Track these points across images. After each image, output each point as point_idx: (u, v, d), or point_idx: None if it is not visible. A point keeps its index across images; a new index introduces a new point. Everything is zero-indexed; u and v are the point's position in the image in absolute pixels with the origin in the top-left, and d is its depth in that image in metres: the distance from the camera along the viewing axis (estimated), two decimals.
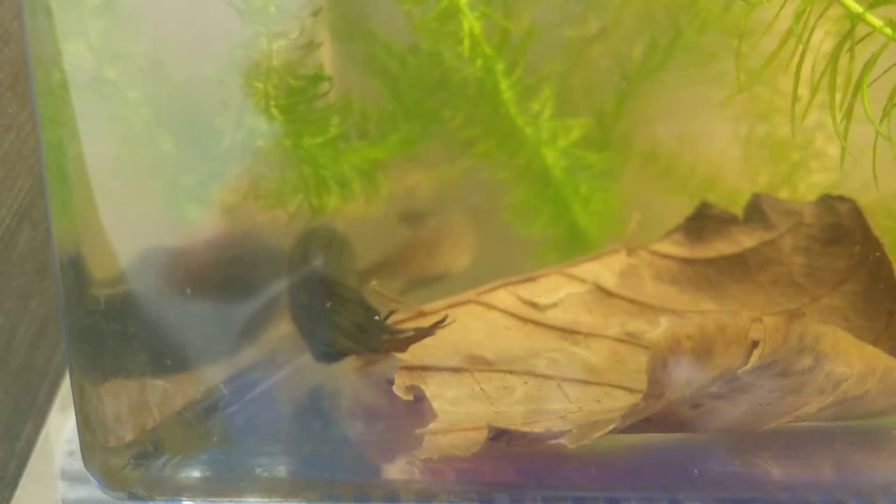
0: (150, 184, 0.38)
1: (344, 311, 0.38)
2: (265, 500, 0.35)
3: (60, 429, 0.43)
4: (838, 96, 0.32)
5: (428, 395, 0.35)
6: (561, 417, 0.35)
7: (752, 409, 0.33)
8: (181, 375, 0.37)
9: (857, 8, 0.29)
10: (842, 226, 0.39)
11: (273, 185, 0.39)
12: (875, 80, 0.30)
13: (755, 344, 0.31)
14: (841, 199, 0.39)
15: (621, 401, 0.35)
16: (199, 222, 0.39)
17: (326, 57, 0.39)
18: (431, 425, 0.34)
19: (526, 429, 0.33)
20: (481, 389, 0.36)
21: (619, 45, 0.41)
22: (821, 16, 0.30)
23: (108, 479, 0.35)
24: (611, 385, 0.36)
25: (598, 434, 0.32)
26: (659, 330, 0.30)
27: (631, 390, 0.36)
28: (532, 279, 0.40)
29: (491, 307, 0.39)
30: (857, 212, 0.38)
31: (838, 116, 0.31)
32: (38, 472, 0.41)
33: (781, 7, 0.31)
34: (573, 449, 0.33)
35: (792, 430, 0.35)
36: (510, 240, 0.43)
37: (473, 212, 0.44)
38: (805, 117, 0.35)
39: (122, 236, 0.36)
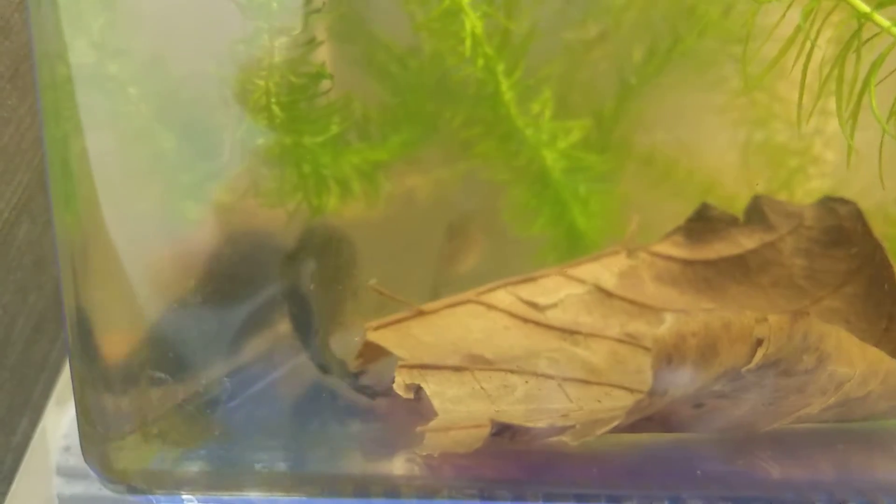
0: (151, 180, 0.38)
1: (319, 344, 0.39)
2: (266, 494, 0.35)
3: (57, 424, 0.43)
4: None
5: (428, 393, 0.35)
6: (562, 416, 0.35)
7: (755, 409, 0.34)
8: (183, 368, 0.37)
9: (865, 8, 0.29)
10: (843, 228, 0.39)
11: (273, 183, 0.39)
12: (881, 81, 0.30)
13: (759, 342, 0.31)
14: (842, 201, 0.39)
15: (622, 401, 0.35)
16: (198, 219, 0.39)
17: (326, 58, 0.39)
18: (432, 423, 0.34)
19: (529, 425, 0.33)
20: (482, 388, 0.36)
21: (620, 48, 0.41)
22: (829, 15, 0.30)
23: (108, 472, 0.35)
24: (611, 385, 0.36)
25: (601, 431, 0.32)
26: (664, 326, 0.30)
27: (632, 390, 0.36)
28: (532, 279, 0.40)
29: (491, 307, 0.39)
30: (858, 214, 0.38)
31: (844, 116, 0.31)
32: (33, 467, 0.40)
33: (788, 7, 0.31)
34: (575, 447, 0.33)
35: (794, 430, 0.35)
36: (509, 241, 0.43)
37: (473, 213, 0.44)
38: (807, 121, 0.35)
39: (124, 231, 0.36)
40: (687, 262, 0.40)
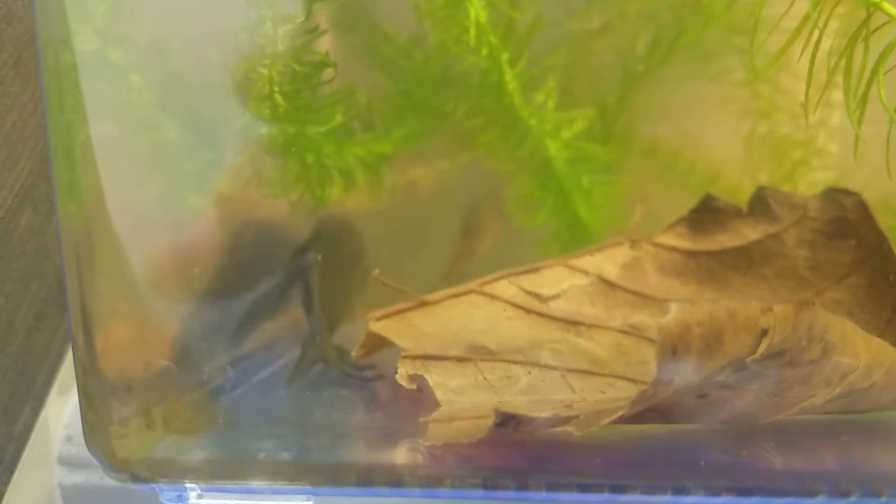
0: (155, 169, 0.38)
1: (322, 337, 0.39)
2: (269, 483, 0.35)
3: (59, 413, 0.43)
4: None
5: (431, 383, 0.35)
6: (566, 406, 0.35)
7: (759, 399, 0.34)
8: (187, 357, 0.37)
9: None
10: (846, 219, 0.39)
11: (276, 173, 0.39)
12: (889, 71, 0.30)
13: (764, 333, 0.31)
14: (846, 192, 0.39)
15: (626, 391, 0.35)
16: (201, 208, 0.39)
17: (329, 47, 0.39)
18: (435, 414, 0.34)
19: (533, 415, 0.33)
20: (485, 379, 0.36)
21: (624, 38, 0.41)
22: (836, 5, 0.30)
23: (111, 460, 0.35)
24: (615, 376, 0.36)
25: (605, 421, 0.32)
26: (669, 316, 0.30)
27: (635, 381, 0.36)
28: (535, 270, 0.40)
29: (493, 297, 0.39)
30: (862, 206, 0.38)
31: (852, 106, 0.31)
32: (35, 456, 0.40)
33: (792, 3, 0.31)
34: (578, 437, 0.33)
35: (798, 421, 0.35)
36: (513, 231, 0.43)
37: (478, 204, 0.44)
38: (812, 113, 0.35)
39: (127, 219, 0.36)
40: (690, 254, 0.40)
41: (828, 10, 0.32)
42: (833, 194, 0.39)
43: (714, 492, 0.34)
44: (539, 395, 0.35)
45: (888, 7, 0.29)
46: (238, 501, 0.35)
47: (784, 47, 0.33)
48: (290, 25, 0.36)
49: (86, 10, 0.34)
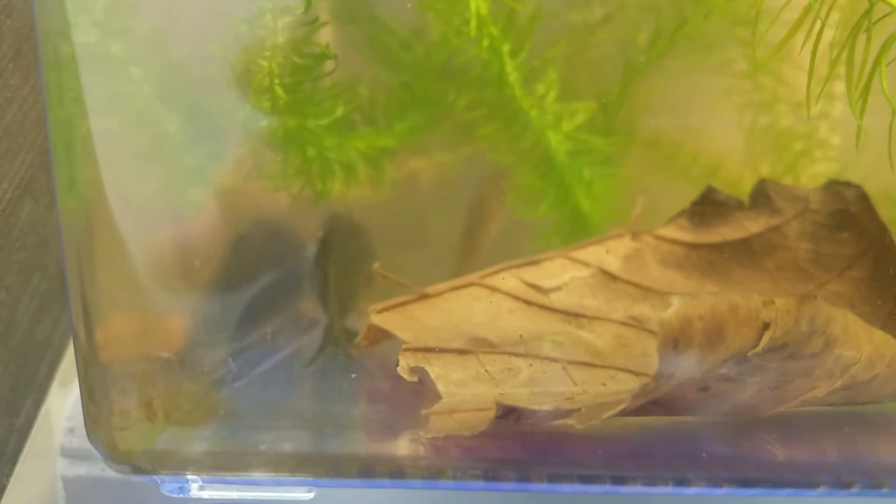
0: (155, 161, 0.38)
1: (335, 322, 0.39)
2: (270, 474, 0.35)
3: (61, 405, 0.43)
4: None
5: (432, 376, 0.35)
6: (567, 399, 0.35)
7: (761, 392, 0.34)
8: (188, 349, 0.37)
9: None
10: (848, 212, 0.39)
11: (277, 166, 0.39)
12: (891, 62, 0.30)
13: (766, 326, 0.31)
14: (847, 185, 0.39)
15: (627, 384, 0.35)
16: (201, 202, 0.39)
17: (329, 39, 0.39)
18: (436, 406, 0.34)
19: (534, 407, 0.33)
20: (486, 371, 0.36)
21: (625, 30, 0.41)
22: None
23: (113, 452, 0.35)
24: (616, 368, 0.36)
25: (606, 414, 0.32)
26: (671, 310, 0.30)
27: (636, 373, 0.36)
28: (536, 262, 0.40)
29: (494, 290, 0.39)
30: (864, 198, 0.38)
31: (854, 97, 0.31)
32: (37, 448, 0.40)
33: None
34: (580, 429, 0.33)
35: (800, 413, 0.35)
36: (513, 223, 0.43)
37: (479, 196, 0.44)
38: (813, 105, 0.35)
39: (127, 212, 0.36)
40: (692, 246, 0.40)
41: (829, 0, 0.32)
42: (835, 186, 0.39)
43: (716, 483, 0.34)
44: (540, 388, 0.35)
45: None
46: (239, 493, 0.35)
47: (786, 38, 0.33)
48: (290, 17, 0.36)
49: (85, 2, 0.34)
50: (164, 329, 0.37)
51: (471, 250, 0.43)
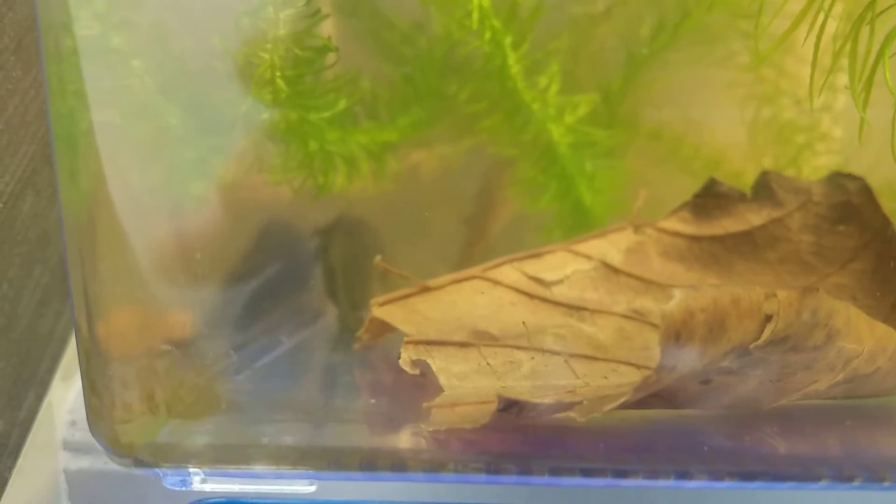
0: (157, 154, 0.38)
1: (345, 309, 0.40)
2: (273, 467, 0.35)
3: (63, 399, 0.43)
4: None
5: (434, 369, 0.35)
6: (569, 392, 0.35)
7: (762, 385, 0.33)
8: (190, 341, 0.37)
9: None
10: (851, 204, 0.39)
11: (278, 160, 0.39)
12: (894, 54, 0.30)
13: (768, 318, 0.31)
14: (850, 177, 0.39)
15: (629, 377, 0.35)
16: (203, 195, 0.39)
17: (331, 32, 0.39)
18: (438, 399, 0.34)
19: (536, 400, 0.33)
20: (488, 364, 0.36)
21: (628, 22, 0.41)
22: None
23: (115, 445, 0.35)
24: (618, 361, 0.36)
25: (608, 407, 0.32)
26: (673, 302, 0.30)
27: (638, 366, 0.36)
28: (537, 255, 0.40)
29: (496, 283, 0.39)
30: (866, 190, 0.38)
31: (857, 89, 0.31)
32: (40, 441, 0.40)
33: None
34: (582, 423, 0.33)
35: (801, 406, 0.35)
36: (516, 216, 0.43)
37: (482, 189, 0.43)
38: (816, 97, 0.35)
39: (130, 204, 0.36)
40: (694, 238, 0.40)
41: None
42: (837, 179, 0.39)
43: (717, 476, 0.34)
44: (542, 381, 0.35)
45: None
46: (241, 486, 0.35)
47: (789, 31, 0.33)
48: (292, 9, 0.36)
49: None
50: (167, 322, 0.37)
51: (474, 242, 0.43)
